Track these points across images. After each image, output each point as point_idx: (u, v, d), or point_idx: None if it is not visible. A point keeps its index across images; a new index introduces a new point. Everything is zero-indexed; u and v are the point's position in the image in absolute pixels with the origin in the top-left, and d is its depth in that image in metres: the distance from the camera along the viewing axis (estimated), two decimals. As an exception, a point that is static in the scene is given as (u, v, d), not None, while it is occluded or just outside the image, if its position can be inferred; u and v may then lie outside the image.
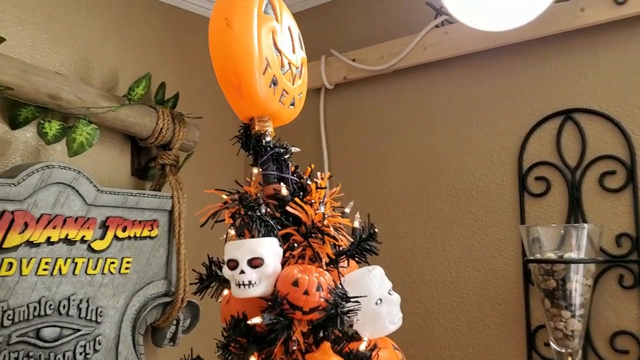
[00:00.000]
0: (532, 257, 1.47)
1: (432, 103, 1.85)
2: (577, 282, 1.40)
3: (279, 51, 1.08)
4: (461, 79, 1.79)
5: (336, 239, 0.98)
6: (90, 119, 1.70)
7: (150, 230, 1.79)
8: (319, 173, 1.07)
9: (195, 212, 2.04)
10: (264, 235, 0.95)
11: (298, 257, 0.98)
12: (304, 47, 1.19)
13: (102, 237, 1.67)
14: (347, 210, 1.06)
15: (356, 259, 1.01)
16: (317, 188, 1.04)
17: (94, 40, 1.87)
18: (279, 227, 0.98)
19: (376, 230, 1.02)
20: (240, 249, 0.93)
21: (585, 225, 1.44)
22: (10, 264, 1.48)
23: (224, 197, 1.03)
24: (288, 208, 0.99)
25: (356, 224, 1.03)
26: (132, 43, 1.98)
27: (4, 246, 1.47)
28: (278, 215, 1.00)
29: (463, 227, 1.76)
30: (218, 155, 2.23)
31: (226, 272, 0.95)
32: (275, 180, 1.05)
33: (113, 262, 1.70)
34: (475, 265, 1.73)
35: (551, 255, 1.42)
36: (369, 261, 1.03)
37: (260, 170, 1.05)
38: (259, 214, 0.94)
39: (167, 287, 1.82)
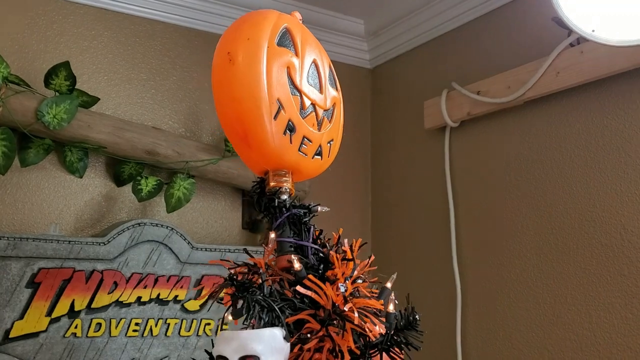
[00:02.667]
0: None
1: (569, 139, 1.51)
2: None
3: (298, 90, 0.89)
4: (604, 107, 1.44)
5: (362, 328, 0.76)
6: (191, 172, 1.66)
7: (249, 289, 1.68)
8: (345, 240, 0.86)
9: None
10: (266, 324, 0.76)
11: (314, 351, 0.77)
12: (338, 85, 0.99)
13: (197, 297, 1.60)
14: (388, 285, 0.83)
15: (391, 354, 0.77)
16: (343, 260, 0.82)
17: (203, 94, 1.85)
18: (290, 312, 0.78)
19: (417, 317, 0.78)
20: (230, 344, 0.75)
21: None
22: (99, 324, 1.46)
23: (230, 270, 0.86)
24: (299, 288, 0.79)
25: (390, 308, 0.79)
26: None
27: (93, 306, 1.46)
28: (290, 295, 0.80)
29: (613, 293, 1.38)
30: (331, 205, 2.08)
31: (215, 371, 0.77)
32: (292, 249, 0.85)
33: (209, 323, 1.61)
34: (631, 344, 1.34)
35: None
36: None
37: (275, 235, 0.87)
38: (259, 296, 0.76)
39: (270, 351, 1.69)
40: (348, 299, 0.78)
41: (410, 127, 1.99)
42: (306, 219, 0.88)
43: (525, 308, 1.56)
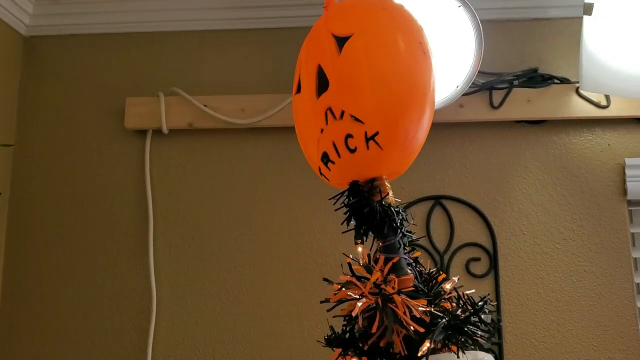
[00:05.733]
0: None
1: (296, 170, 1.70)
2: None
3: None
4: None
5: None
6: None
7: None
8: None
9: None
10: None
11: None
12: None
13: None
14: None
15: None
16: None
17: None
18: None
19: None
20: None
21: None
22: None
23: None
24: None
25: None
26: None
27: None
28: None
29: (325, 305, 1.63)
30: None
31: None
32: (410, 269, 0.78)
33: None
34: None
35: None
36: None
37: (383, 251, 0.77)
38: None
39: None
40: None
41: (89, 121, 1.77)
42: (411, 234, 0.80)
43: (233, 322, 1.63)
